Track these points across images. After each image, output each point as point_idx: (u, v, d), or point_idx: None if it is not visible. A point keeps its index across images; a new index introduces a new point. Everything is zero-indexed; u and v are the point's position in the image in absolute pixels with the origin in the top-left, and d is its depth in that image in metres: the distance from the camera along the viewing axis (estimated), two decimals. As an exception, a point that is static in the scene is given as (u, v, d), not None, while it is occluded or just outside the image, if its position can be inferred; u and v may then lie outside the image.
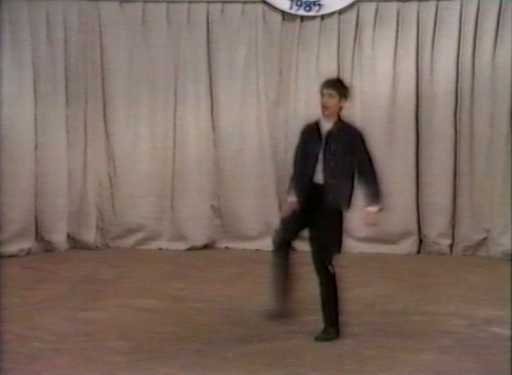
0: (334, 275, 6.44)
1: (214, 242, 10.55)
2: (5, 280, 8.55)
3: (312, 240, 6.45)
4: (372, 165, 6.43)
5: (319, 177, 6.32)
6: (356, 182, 6.43)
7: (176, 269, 9.30)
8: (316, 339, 6.37)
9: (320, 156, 6.31)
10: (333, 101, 6.32)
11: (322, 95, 6.37)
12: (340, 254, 6.50)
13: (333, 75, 10.16)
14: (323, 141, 6.33)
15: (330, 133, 6.34)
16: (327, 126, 6.37)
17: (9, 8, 9.81)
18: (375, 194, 6.40)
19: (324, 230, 6.34)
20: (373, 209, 6.39)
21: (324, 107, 6.35)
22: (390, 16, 10.20)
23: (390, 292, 8.11)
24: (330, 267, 6.40)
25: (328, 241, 6.38)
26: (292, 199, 6.48)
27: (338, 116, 6.40)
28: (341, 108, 6.39)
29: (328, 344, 6.25)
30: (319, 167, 6.31)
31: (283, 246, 6.55)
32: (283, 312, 6.53)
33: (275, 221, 10.36)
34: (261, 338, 6.40)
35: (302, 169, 6.43)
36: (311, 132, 6.44)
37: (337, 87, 6.40)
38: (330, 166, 6.29)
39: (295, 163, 6.56)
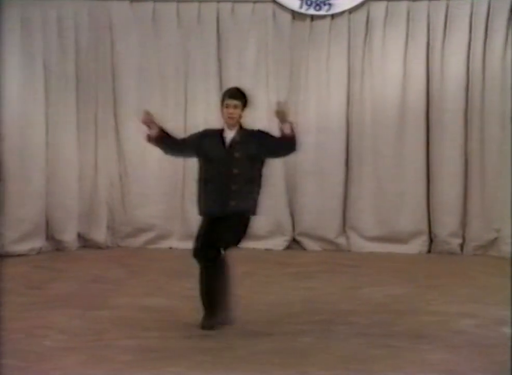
0: (224, 260, 6.50)
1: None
2: (16, 279, 8.58)
3: (210, 232, 6.46)
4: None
5: (223, 185, 6.40)
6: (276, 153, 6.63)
7: (186, 268, 9.22)
8: (203, 327, 6.47)
9: (224, 164, 6.43)
10: (238, 112, 6.49)
11: (226, 105, 6.49)
12: (234, 249, 6.57)
13: (343, 75, 10.26)
14: (227, 150, 6.46)
15: (233, 141, 6.48)
16: (230, 134, 6.51)
17: (21, 8, 9.84)
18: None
19: (226, 228, 6.41)
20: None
21: (230, 118, 6.49)
22: (400, 16, 10.20)
23: (400, 292, 8.10)
24: (222, 251, 6.45)
25: (227, 235, 6.43)
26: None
27: (240, 125, 6.54)
28: (240, 116, 6.54)
29: (336, 343, 6.25)
30: (223, 174, 6.41)
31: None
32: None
33: (285, 220, 10.40)
34: (270, 337, 6.40)
35: (209, 179, 6.48)
36: (214, 138, 6.55)
37: (241, 97, 6.52)
38: (234, 173, 6.41)
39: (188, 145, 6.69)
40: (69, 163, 10.25)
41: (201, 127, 10.32)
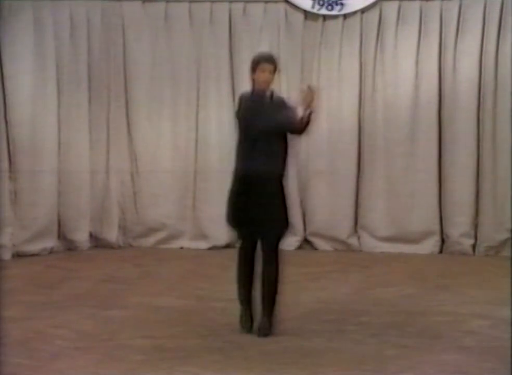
0: (277, 260, 6.47)
1: (236, 242, 10.53)
2: (28, 279, 8.61)
3: (258, 220, 6.36)
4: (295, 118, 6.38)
5: (253, 146, 6.34)
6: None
7: (197, 268, 9.33)
8: (259, 335, 6.35)
9: (256, 126, 6.33)
10: (271, 76, 6.40)
11: (261, 70, 6.37)
12: (288, 230, 6.48)
13: (355, 75, 10.25)
14: (258, 112, 6.35)
15: (264, 104, 6.38)
16: (260, 97, 6.40)
17: (33, 9, 9.87)
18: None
19: (267, 211, 6.31)
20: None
21: (264, 82, 6.38)
22: (413, 15, 10.18)
23: (412, 292, 8.09)
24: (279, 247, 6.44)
25: (274, 224, 6.35)
26: None
27: (271, 90, 6.45)
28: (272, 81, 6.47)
29: (349, 344, 6.25)
30: (255, 136, 6.33)
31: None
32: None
33: (296, 220, 10.39)
34: (283, 337, 6.39)
35: (242, 140, 6.42)
36: (248, 102, 6.45)
37: (274, 62, 6.45)
38: (264, 135, 6.31)
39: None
40: (81, 163, 10.26)
41: (212, 127, 10.54)
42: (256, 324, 6.47)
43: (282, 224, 6.43)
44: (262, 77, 6.40)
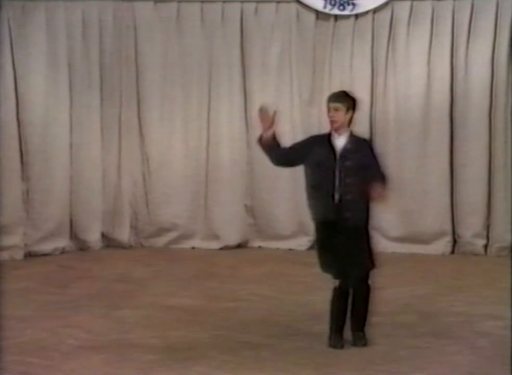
0: (369, 287, 6.35)
1: (247, 242, 10.56)
2: (40, 279, 8.64)
3: (347, 258, 6.22)
4: (381, 167, 6.31)
5: (336, 194, 6.21)
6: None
7: (209, 268, 9.33)
8: (355, 345, 6.24)
9: (336, 173, 6.20)
10: (339, 115, 6.21)
11: (328, 109, 6.25)
12: (376, 269, 6.35)
13: (367, 75, 10.25)
14: (338, 158, 6.21)
15: (345, 150, 6.22)
16: (340, 141, 6.26)
17: (45, 9, 9.89)
18: (380, 178, 6.22)
19: (355, 250, 6.19)
20: (378, 184, 6.14)
21: (331, 121, 6.24)
22: (424, 15, 10.16)
23: (424, 293, 8.07)
24: (369, 282, 6.32)
25: (363, 260, 6.24)
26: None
27: (351, 131, 6.31)
28: (350, 120, 6.28)
29: (361, 344, 6.24)
30: (336, 183, 6.20)
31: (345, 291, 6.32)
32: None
33: (308, 220, 10.36)
34: (295, 337, 6.40)
35: (319, 186, 6.28)
36: (323, 145, 6.28)
37: (343, 99, 6.26)
38: (347, 183, 6.19)
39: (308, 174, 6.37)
40: (93, 163, 10.28)
41: (223, 127, 10.54)
42: (350, 339, 6.31)
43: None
44: (329, 117, 6.24)
